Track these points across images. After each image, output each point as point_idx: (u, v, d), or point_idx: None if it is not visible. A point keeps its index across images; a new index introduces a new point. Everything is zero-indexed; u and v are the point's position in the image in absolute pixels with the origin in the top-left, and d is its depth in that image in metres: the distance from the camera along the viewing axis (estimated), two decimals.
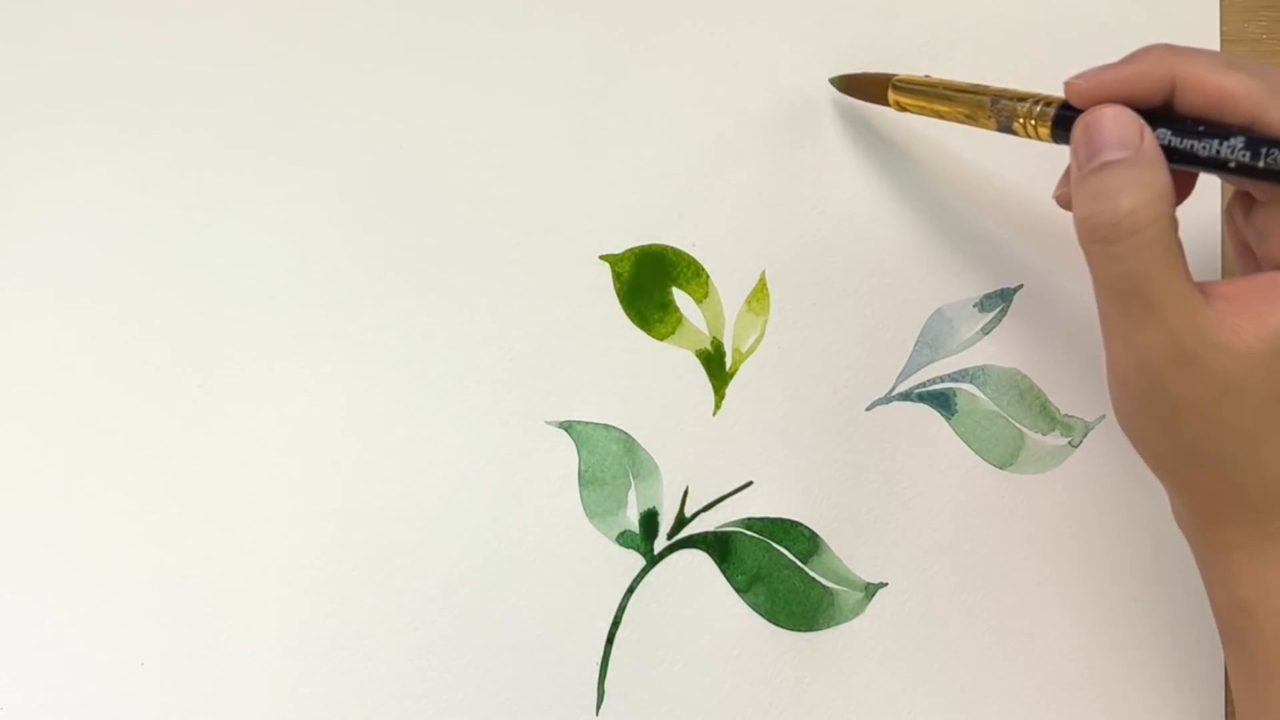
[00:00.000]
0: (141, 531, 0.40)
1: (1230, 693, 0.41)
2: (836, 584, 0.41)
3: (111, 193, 0.40)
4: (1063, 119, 0.31)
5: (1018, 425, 0.42)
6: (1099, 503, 0.42)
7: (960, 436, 0.42)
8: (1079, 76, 0.31)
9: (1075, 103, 0.31)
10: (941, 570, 0.41)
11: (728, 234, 0.41)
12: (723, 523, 0.41)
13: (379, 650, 0.40)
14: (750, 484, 0.41)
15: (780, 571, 0.41)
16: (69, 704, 0.39)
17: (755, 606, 0.41)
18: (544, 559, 0.40)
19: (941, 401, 0.42)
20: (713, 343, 0.41)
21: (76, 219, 0.40)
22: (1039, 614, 0.42)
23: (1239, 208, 0.33)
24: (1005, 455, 0.42)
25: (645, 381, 0.41)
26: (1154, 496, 0.41)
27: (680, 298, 0.41)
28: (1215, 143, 0.29)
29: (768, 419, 0.41)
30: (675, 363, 0.41)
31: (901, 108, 0.38)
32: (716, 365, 0.41)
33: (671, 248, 0.41)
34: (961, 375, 0.42)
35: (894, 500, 0.41)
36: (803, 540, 0.41)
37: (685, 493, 0.41)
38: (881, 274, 0.42)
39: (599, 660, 0.40)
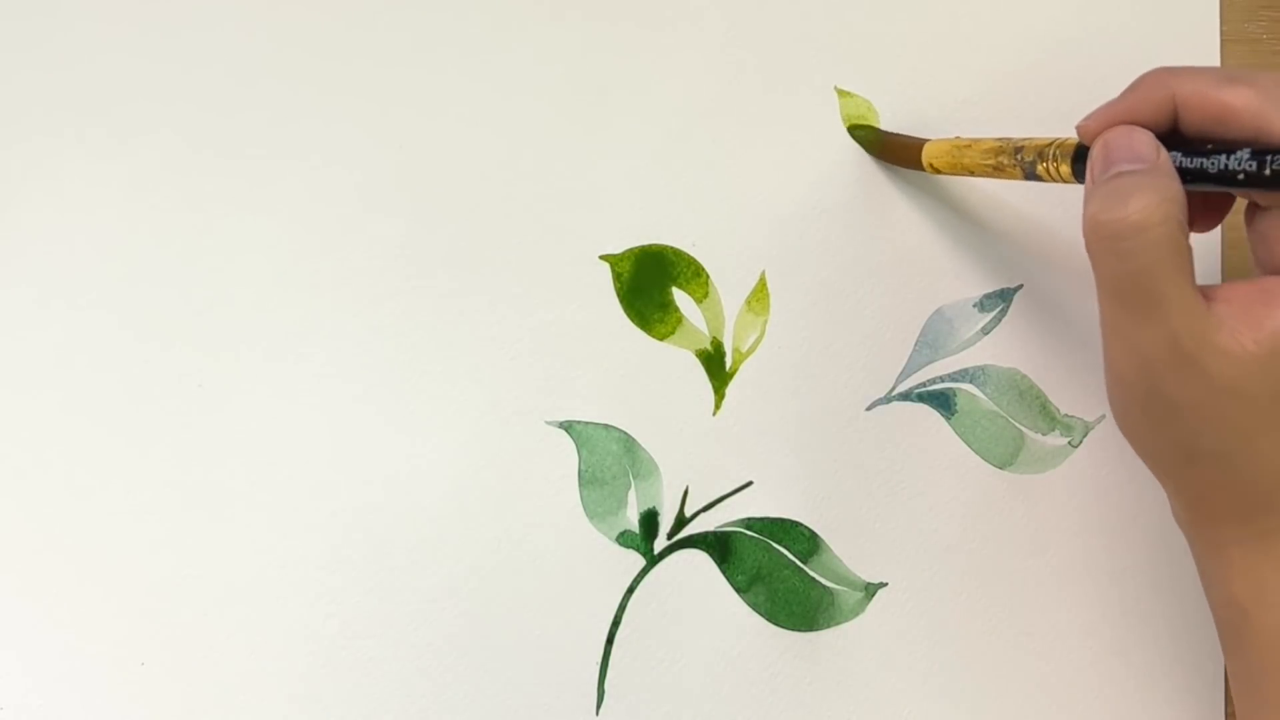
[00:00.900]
0: (141, 531, 0.40)
1: (1230, 692, 0.41)
2: (836, 584, 0.41)
3: (111, 192, 0.40)
4: (1082, 154, 0.32)
5: (1018, 425, 0.42)
6: (1099, 503, 0.42)
7: (960, 436, 0.42)
8: (1087, 118, 0.32)
9: (1087, 142, 0.32)
10: (941, 570, 0.41)
11: (728, 234, 0.41)
12: (723, 523, 0.41)
13: (379, 650, 0.40)
14: (750, 484, 0.41)
15: (780, 571, 0.41)
16: (69, 704, 0.39)
17: (755, 606, 0.41)
18: (544, 559, 0.40)
19: (941, 401, 0.42)
20: (713, 343, 0.41)
21: (75, 219, 0.40)
22: (1039, 614, 0.42)
23: (1246, 214, 0.33)
24: (1005, 455, 0.42)
25: (645, 381, 0.41)
26: (1154, 496, 0.41)
27: (680, 298, 0.41)
28: (1223, 158, 0.29)
29: (768, 419, 0.41)
30: (675, 363, 0.41)
31: (934, 170, 0.38)
32: (716, 365, 0.41)
33: (671, 248, 0.41)
34: (961, 375, 0.42)
35: (894, 500, 0.41)
36: (803, 540, 0.41)
37: (685, 493, 0.41)
38: (881, 274, 0.42)
39: (599, 660, 0.40)
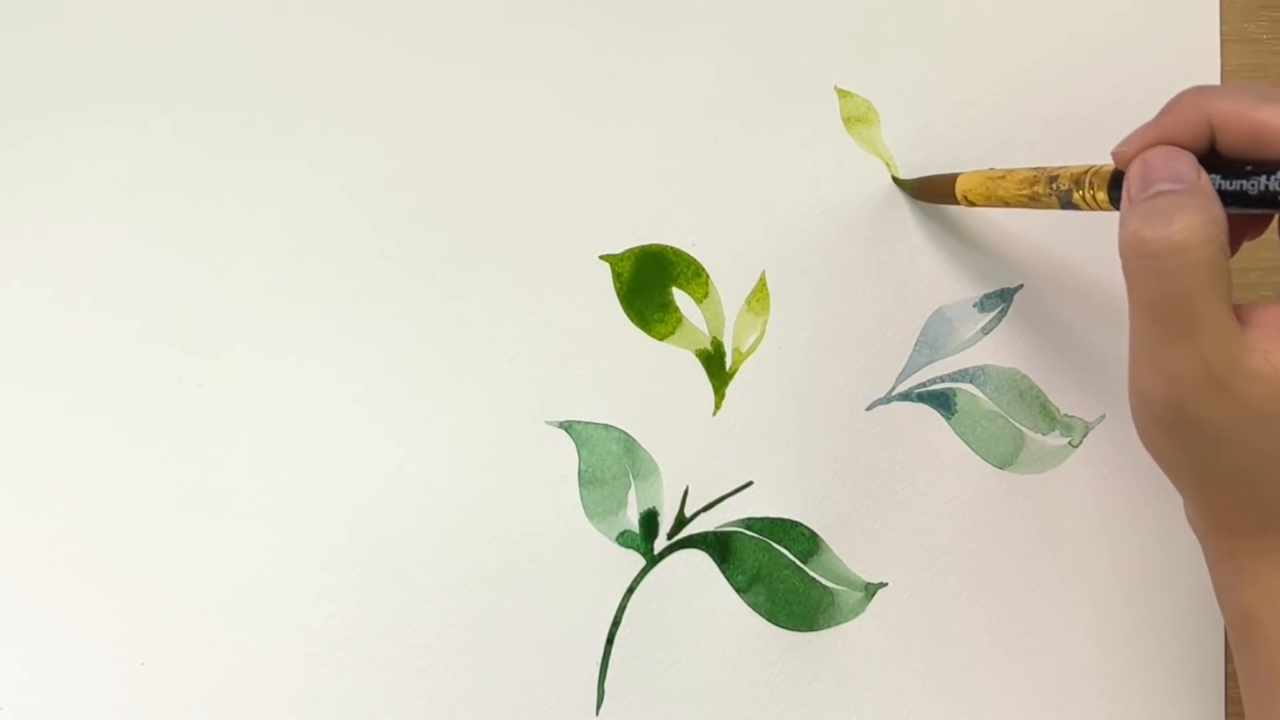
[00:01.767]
0: (141, 531, 0.40)
1: (1230, 693, 0.41)
2: (836, 584, 0.41)
3: (111, 192, 0.40)
4: (1118, 180, 0.31)
5: (1018, 425, 0.42)
6: (1099, 503, 0.42)
7: (960, 436, 0.42)
8: (1123, 143, 0.31)
9: (1123, 166, 0.31)
10: (941, 570, 0.41)
11: (728, 234, 0.41)
12: (723, 523, 0.41)
13: (379, 650, 0.40)
14: (750, 484, 0.41)
15: (780, 571, 0.41)
16: (69, 704, 0.39)
17: (755, 606, 0.41)
18: (544, 559, 0.40)
19: (941, 401, 0.42)
20: (713, 343, 0.41)
21: (76, 218, 0.40)
22: (1039, 614, 0.42)
23: None
24: (1005, 455, 0.42)
25: (645, 381, 0.41)
26: (1154, 497, 0.41)
27: (680, 298, 0.41)
28: (1263, 179, 0.29)
29: (768, 419, 0.41)
30: (675, 363, 0.41)
31: (970, 203, 0.38)
32: (716, 365, 0.41)
33: (671, 248, 0.41)
34: (961, 375, 0.42)
35: (894, 500, 0.41)
36: (803, 540, 0.41)
37: (685, 493, 0.41)
38: (881, 274, 0.42)
39: (599, 660, 0.40)
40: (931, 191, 0.41)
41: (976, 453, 0.42)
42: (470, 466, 0.40)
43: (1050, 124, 0.42)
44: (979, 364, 0.42)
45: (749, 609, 0.41)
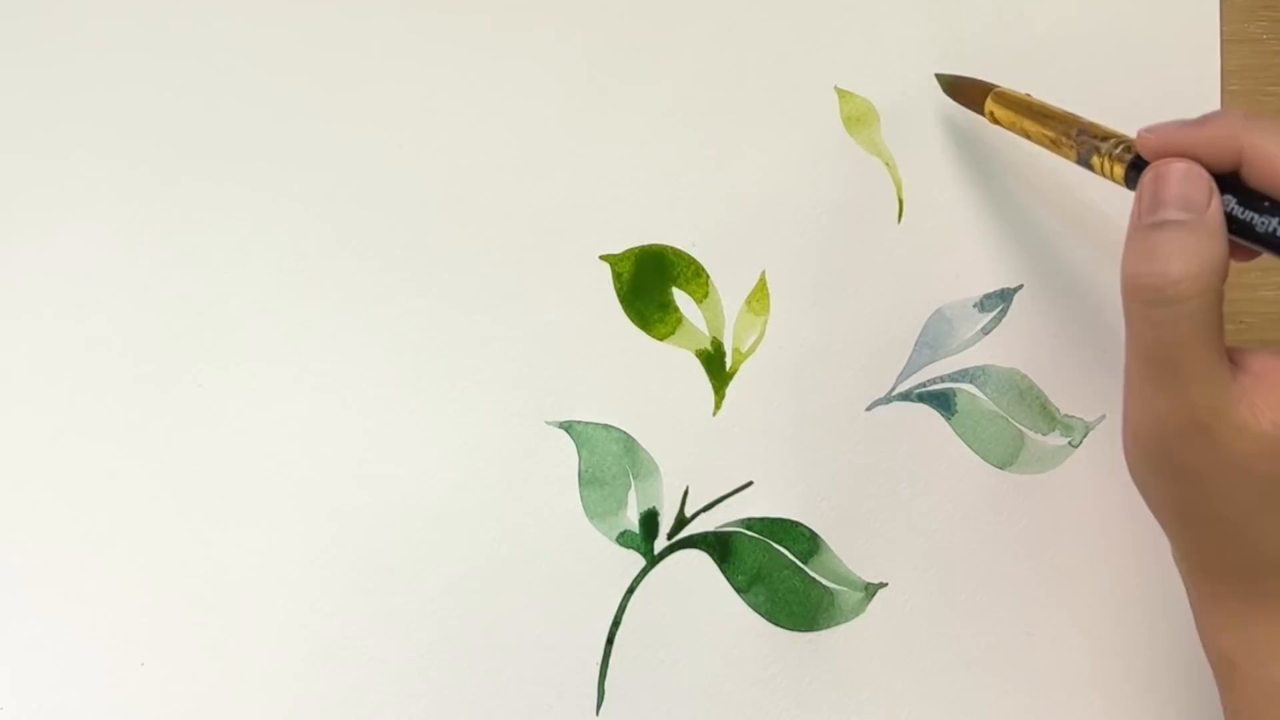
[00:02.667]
0: (140, 531, 0.40)
1: None
2: (836, 584, 0.41)
3: (109, 192, 0.40)
4: (1139, 164, 0.31)
5: (1018, 425, 0.42)
6: (1099, 503, 0.42)
7: (960, 436, 0.42)
8: (1150, 130, 0.31)
9: (1145, 155, 0.31)
10: (941, 570, 0.41)
11: (728, 234, 0.41)
12: (723, 523, 0.41)
13: (379, 650, 0.40)
14: (750, 484, 0.41)
15: (780, 571, 0.41)
16: (69, 704, 0.39)
17: (755, 606, 0.41)
18: (544, 559, 0.40)
19: (941, 401, 0.42)
20: (713, 343, 0.41)
21: (75, 219, 0.40)
22: (1039, 614, 0.42)
23: None
24: (1005, 455, 0.42)
25: (645, 381, 0.41)
26: None
27: (680, 298, 0.41)
28: (1274, 221, 0.28)
29: (768, 419, 0.41)
30: (675, 363, 0.41)
31: (995, 120, 0.38)
32: (716, 365, 0.41)
33: (671, 248, 0.41)
34: (961, 375, 0.42)
35: (894, 500, 0.41)
36: (803, 540, 0.41)
37: (685, 493, 0.41)
38: (881, 274, 0.42)
39: (599, 660, 0.40)
40: (963, 94, 0.40)
41: (976, 453, 0.42)
42: (470, 466, 0.40)
43: None
44: (979, 364, 0.42)
45: (749, 609, 0.41)
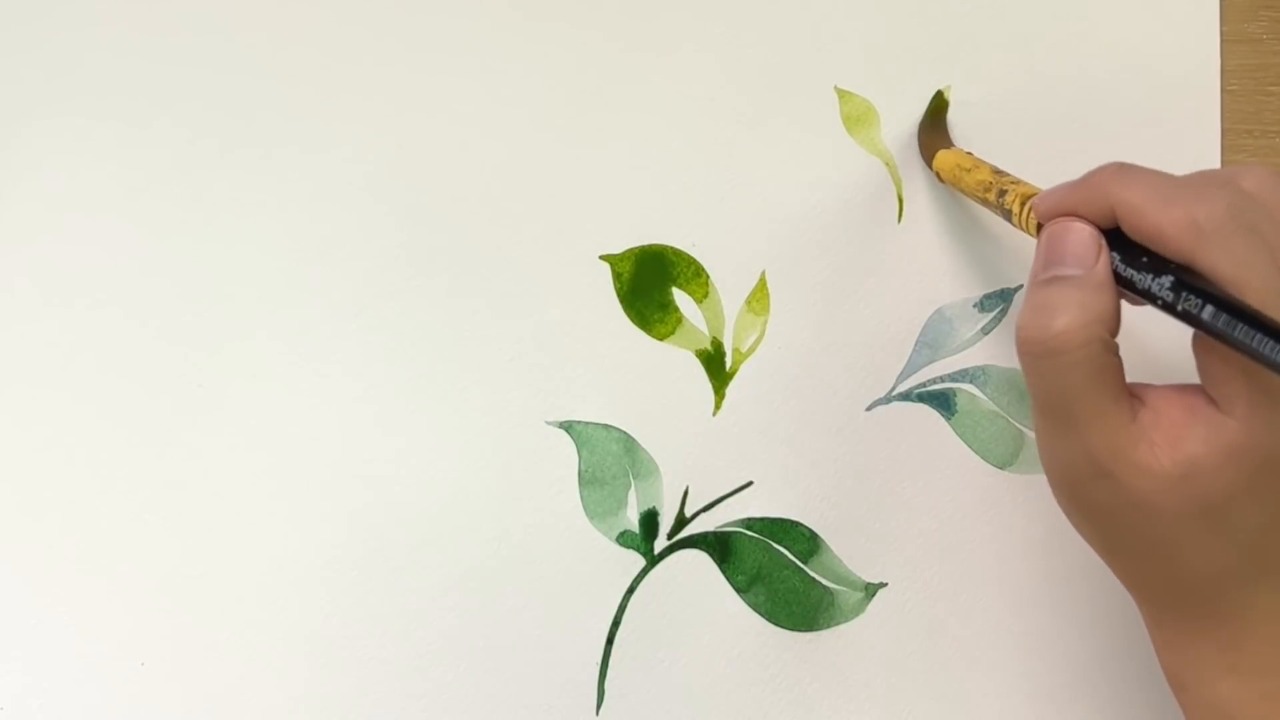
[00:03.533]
0: (141, 531, 0.40)
1: None
2: (836, 584, 0.41)
3: (109, 192, 0.40)
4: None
5: (1018, 425, 0.42)
6: None
7: (960, 436, 0.42)
8: (1040, 196, 0.32)
9: (1040, 219, 0.32)
10: (941, 570, 0.41)
11: (728, 234, 0.41)
12: (723, 523, 0.41)
13: (379, 650, 0.40)
14: (750, 484, 0.41)
15: (780, 571, 0.41)
16: (69, 704, 0.39)
17: (755, 606, 0.41)
18: (544, 559, 0.40)
19: (941, 401, 0.42)
20: (713, 343, 0.41)
21: (76, 218, 0.40)
22: (1039, 614, 0.42)
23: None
24: (1005, 455, 0.42)
25: (645, 381, 0.41)
26: None
27: (680, 298, 0.41)
28: (1149, 277, 0.29)
29: (768, 419, 0.41)
30: (675, 363, 0.41)
31: (940, 179, 0.40)
32: (716, 365, 0.41)
33: (671, 248, 0.41)
34: (961, 375, 0.42)
35: (894, 500, 0.41)
36: (803, 540, 0.41)
37: (685, 493, 0.41)
38: (881, 274, 0.42)
39: (599, 660, 0.40)
40: (925, 144, 0.41)
41: (976, 453, 0.42)
42: (470, 466, 0.40)
43: (1050, 124, 0.42)
44: (979, 364, 0.42)
45: (749, 609, 0.41)
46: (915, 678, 0.41)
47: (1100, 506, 0.30)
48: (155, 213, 0.40)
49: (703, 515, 0.41)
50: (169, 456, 0.40)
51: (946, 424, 0.42)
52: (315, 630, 0.40)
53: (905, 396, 0.42)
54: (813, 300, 0.41)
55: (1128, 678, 0.42)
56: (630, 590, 0.41)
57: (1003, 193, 0.35)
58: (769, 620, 0.41)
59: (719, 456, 0.41)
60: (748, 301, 0.41)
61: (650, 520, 0.41)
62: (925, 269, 0.42)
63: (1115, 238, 0.30)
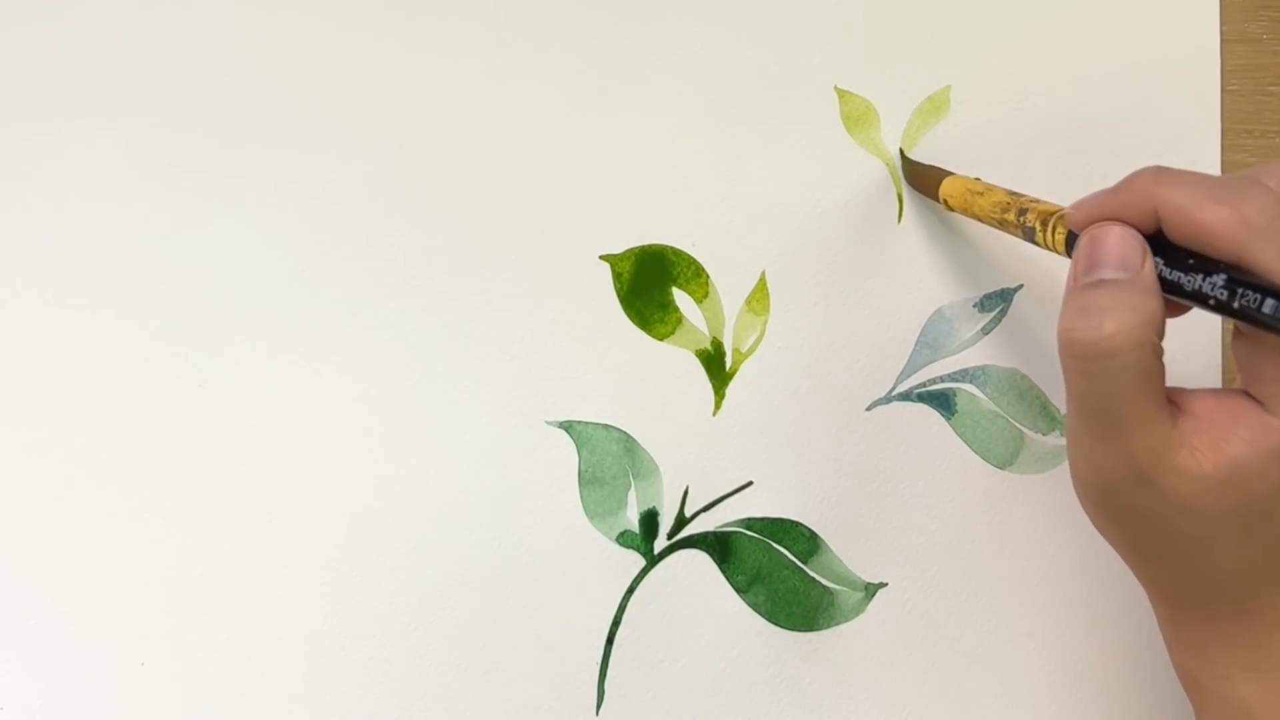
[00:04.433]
0: (141, 531, 0.40)
1: None
2: (836, 584, 0.41)
3: (109, 192, 0.40)
4: (1075, 238, 0.32)
5: (1018, 425, 0.42)
6: None
7: (960, 436, 0.42)
8: (1075, 205, 0.31)
9: (1074, 229, 0.31)
10: (941, 570, 0.41)
11: (728, 234, 0.41)
12: (723, 523, 0.41)
13: (379, 650, 0.40)
14: (750, 484, 0.41)
15: (780, 571, 0.41)
16: (69, 704, 0.39)
17: (755, 606, 0.41)
18: (544, 559, 0.40)
19: (941, 401, 0.42)
20: (713, 343, 0.41)
21: (76, 219, 0.40)
22: (1039, 614, 0.42)
23: (1233, 331, 0.33)
24: (1005, 455, 0.42)
25: (645, 381, 0.41)
26: None
27: (680, 298, 0.41)
28: (1199, 278, 0.28)
29: (768, 419, 0.41)
30: (675, 363, 0.41)
31: (949, 207, 0.39)
32: (716, 365, 0.41)
33: (671, 248, 0.41)
34: (961, 375, 0.42)
35: (894, 500, 0.41)
36: (803, 540, 0.41)
37: (685, 493, 0.41)
38: (881, 274, 0.42)
39: (599, 660, 0.40)
40: (921, 180, 0.41)
41: (976, 453, 0.42)
42: (470, 466, 0.40)
43: (1050, 124, 0.42)
44: (979, 364, 0.42)
45: (749, 609, 0.41)
46: (915, 678, 0.41)
47: (1134, 511, 0.30)
48: (155, 213, 0.40)
49: (703, 515, 0.41)
50: (169, 456, 0.40)
51: (946, 424, 0.42)
52: (315, 630, 0.40)
53: (905, 396, 0.42)
54: (813, 300, 0.41)
55: (1128, 677, 0.42)
56: (630, 590, 0.41)
57: (1023, 211, 0.34)
58: (769, 620, 0.41)
59: (719, 456, 0.41)
60: (748, 301, 0.41)
61: (650, 520, 0.41)
62: (925, 269, 0.42)
63: (1155, 243, 0.30)
